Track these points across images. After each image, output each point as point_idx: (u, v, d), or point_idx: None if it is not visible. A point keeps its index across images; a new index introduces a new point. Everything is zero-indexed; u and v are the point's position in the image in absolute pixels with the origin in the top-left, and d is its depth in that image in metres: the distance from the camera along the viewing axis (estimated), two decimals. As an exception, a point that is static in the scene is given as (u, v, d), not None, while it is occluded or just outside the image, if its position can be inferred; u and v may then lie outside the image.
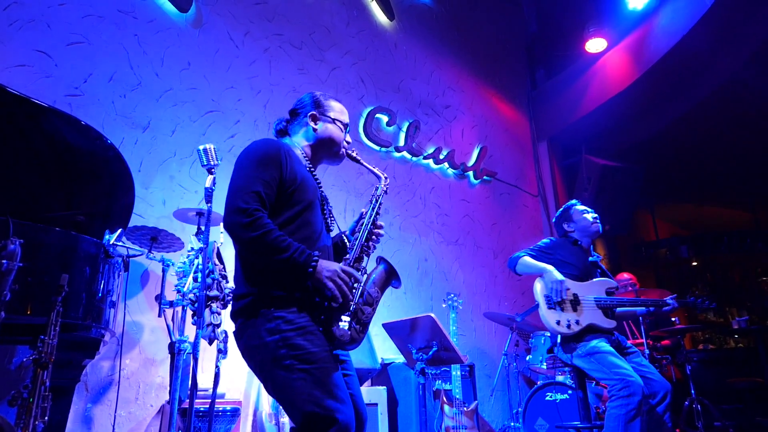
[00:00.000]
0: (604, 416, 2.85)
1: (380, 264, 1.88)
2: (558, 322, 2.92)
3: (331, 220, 1.96)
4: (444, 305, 4.26)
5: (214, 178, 2.37)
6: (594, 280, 3.11)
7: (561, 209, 3.40)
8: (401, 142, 5.26)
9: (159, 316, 3.00)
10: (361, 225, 1.93)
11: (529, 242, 3.30)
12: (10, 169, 2.65)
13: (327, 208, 1.95)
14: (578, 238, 3.27)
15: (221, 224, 3.28)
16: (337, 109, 2.03)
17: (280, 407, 3.33)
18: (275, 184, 1.73)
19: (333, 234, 1.99)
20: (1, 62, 3.26)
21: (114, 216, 2.93)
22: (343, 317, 1.72)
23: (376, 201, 1.99)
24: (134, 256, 2.91)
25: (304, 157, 1.95)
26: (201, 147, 2.35)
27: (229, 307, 2.85)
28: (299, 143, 1.98)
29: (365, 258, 1.89)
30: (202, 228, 3.05)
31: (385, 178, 2.06)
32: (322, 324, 1.68)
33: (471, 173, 5.84)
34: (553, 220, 3.44)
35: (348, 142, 2.06)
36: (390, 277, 1.88)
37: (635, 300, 3.26)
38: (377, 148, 5.06)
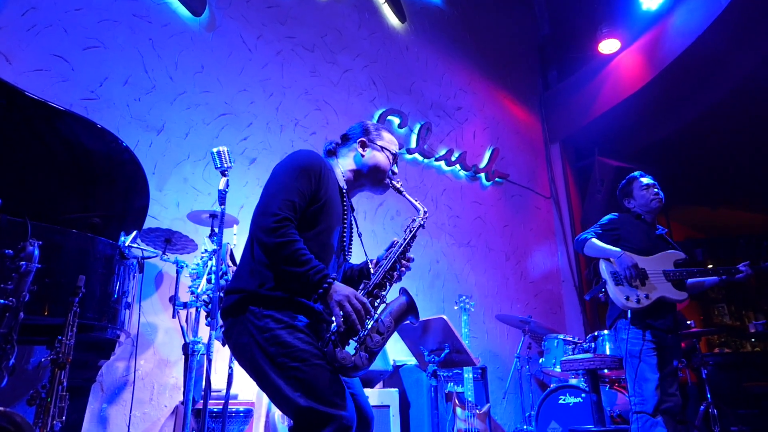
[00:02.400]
0: (618, 420, 2.84)
1: (402, 295, 1.82)
2: (627, 298, 2.87)
3: (348, 251, 1.94)
4: (456, 307, 4.24)
5: (228, 181, 2.39)
6: (661, 253, 3.04)
7: (623, 182, 3.30)
8: (413, 144, 5.26)
9: (173, 317, 3.02)
10: (390, 252, 1.89)
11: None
12: (28, 171, 2.70)
13: (347, 234, 1.93)
14: (640, 212, 3.21)
15: (234, 226, 3.33)
16: (387, 139, 2.04)
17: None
18: (309, 195, 1.75)
19: (349, 260, 1.98)
20: (19, 67, 3.31)
21: (129, 218, 2.97)
22: (352, 341, 1.66)
23: (411, 233, 1.96)
24: (149, 257, 2.94)
25: (344, 179, 1.96)
26: (215, 149, 2.37)
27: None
28: (344, 166, 1.99)
29: (388, 286, 1.84)
30: (216, 230, 3.08)
31: (425, 212, 2.02)
32: (329, 343, 1.64)
33: (483, 175, 5.82)
34: (617, 192, 3.35)
35: (394, 173, 2.04)
36: (409, 311, 1.82)
37: (706, 270, 3.09)
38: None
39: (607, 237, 3.11)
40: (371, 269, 1.91)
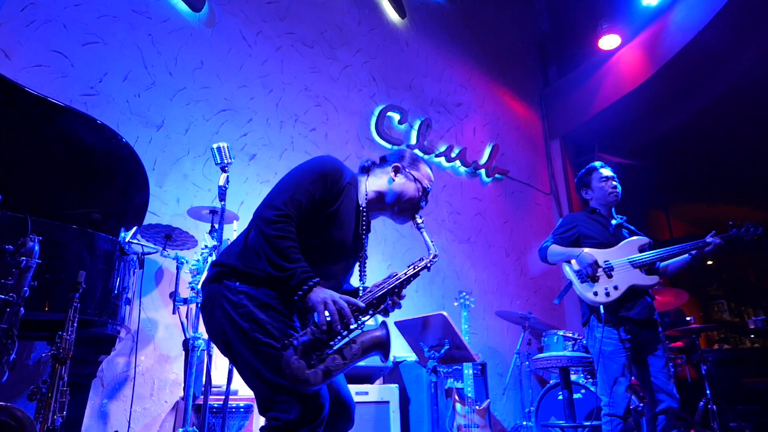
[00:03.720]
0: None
1: (381, 329, 1.67)
2: (596, 294, 2.85)
3: (363, 272, 1.89)
4: (456, 304, 4.25)
5: (228, 177, 2.39)
6: (624, 242, 3.01)
7: (582, 171, 3.26)
8: (413, 140, 5.25)
9: (173, 313, 3.03)
10: (386, 283, 1.79)
11: (542, 241, 3.26)
12: (27, 167, 2.69)
13: (355, 256, 1.88)
14: (596, 206, 3.19)
15: (234, 222, 3.33)
16: (423, 172, 1.97)
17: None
18: (319, 201, 1.74)
19: (363, 281, 1.92)
20: (19, 63, 3.30)
21: (129, 214, 2.97)
22: (313, 353, 1.56)
23: (414, 270, 1.84)
24: (149, 253, 2.94)
25: (366, 198, 1.91)
26: (215, 145, 2.37)
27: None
28: (371, 185, 1.94)
29: (370, 313, 1.72)
30: (216, 226, 3.08)
31: (434, 256, 1.89)
32: (287, 347, 1.55)
33: (483, 171, 5.82)
34: (575, 181, 3.33)
35: (421, 207, 1.96)
36: (380, 346, 1.66)
37: (672, 250, 2.91)
38: (389, 146, 5.06)
39: (567, 239, 3.10)
40: (359, 293, 1.81)
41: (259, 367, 1.58)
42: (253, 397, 3.28)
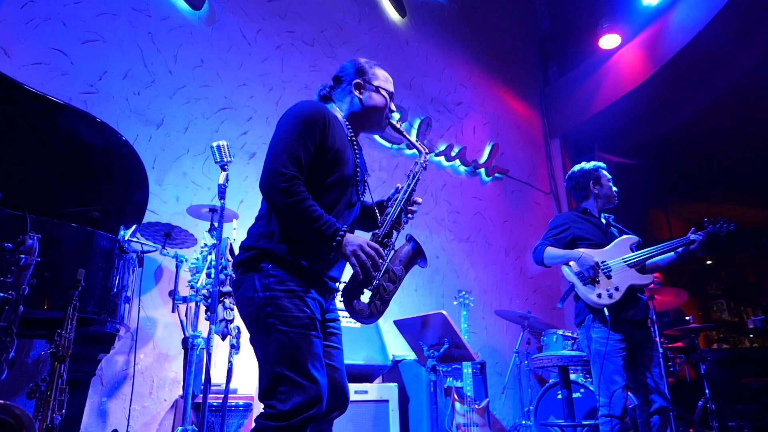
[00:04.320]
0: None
1: (409, 242, 1.85)
2: (599, 296, 2.83)
3: (362, 192, 1.94)
4: (455, 302, 4.25)
5: (227, 175, 2.39)
6: (615, 241, 3.01)
7: (588, 168, 3.21)
8: (413, 139, 5.24)
9: (172, 311, 3.02)
10: (395, 201, 1.91)
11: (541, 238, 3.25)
12: (27, 165, 2.69)
13: (359, 178, 1.91)
14: (588, 206, 3.17)
15: (234, 221, 3.33)
16: (382, 78, 1.99)
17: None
18: (314, 149, 1.73)
19: (367, 198, 2.00)
20: (18, 60, 3.30)
21: (128, 212, 2.97)
22: (366, 290, 1.72)
23: (414, 177, 1.95)
24: (148, 252, 2.94)
25: (347, 125, 1.93)
26: (214, 144, 2.36)
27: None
28: (342, 110, 1.96)
29: (395, 233, 1.86)
30: (215, 224, 3.08)
31: (426, 153, 2.02)
32: (344, 297, 1.71)
33: (483, 170, 5.82)
34: (579, 176, 3.23)
35: (392, 111, 2.02)
36: (416, 256, 1.85)
37: (661, 248, 2.95)
38: (389, 145, 5.06)
39: (561, 240, 3.07)
40: (377, 212, 1.94)
41: (267, 351, 1.61)
42: (253, 395, 3.30)
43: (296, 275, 1.68)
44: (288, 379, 1.56)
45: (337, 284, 1.84)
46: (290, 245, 1.69)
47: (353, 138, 1.93)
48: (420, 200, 1.96)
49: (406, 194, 1.91)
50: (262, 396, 1.60)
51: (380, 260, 1.71)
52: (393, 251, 1.83)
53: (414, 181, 1.94)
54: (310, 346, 1.62)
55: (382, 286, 1.74)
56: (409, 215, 1.91)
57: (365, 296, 1.73)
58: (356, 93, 1.95)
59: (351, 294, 1.72)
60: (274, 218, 1.73)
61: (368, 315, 1.72)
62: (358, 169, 1.90)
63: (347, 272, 1.77)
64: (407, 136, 2.04)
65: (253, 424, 1.61)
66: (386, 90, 1.98)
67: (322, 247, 1.67)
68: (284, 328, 1.60)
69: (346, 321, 3.10)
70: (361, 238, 1.71)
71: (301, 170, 1.68)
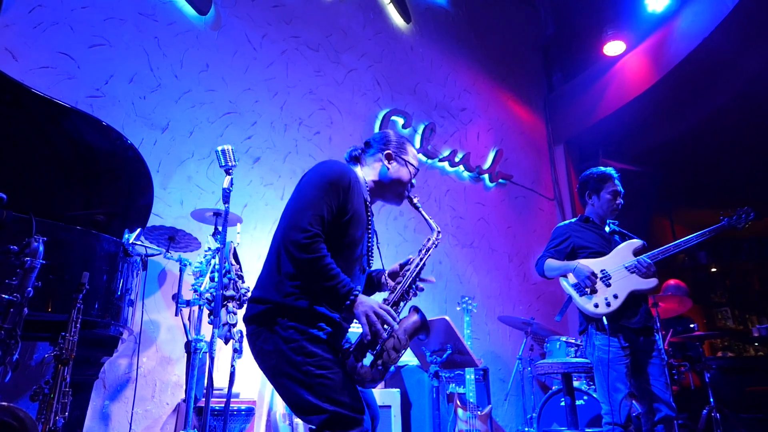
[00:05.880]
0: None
1: (415, 314, 1.87)
2: (596, 305, 2.82)
3: (371, 259, 1.99)
4: (458, 308, 4.24)
5: (232, 179, 2.39)
6: (617, 248, 2.99)
7: (597, 172, 3.17)
8: (417, 145, 5.26)
9: (176, 315, 3.03)
10: (407, 271, 1.94)
11: (544, 246, 3.24)
12: (33, 168, 2.71)
13: (370, 243, 1.97)
14: (589, 214, 3.16)
15: (238, 224, 3.34)
16: (411, 154, 2.06)
17: (294, 408, 3.34)
18: (336, 210, 1.77)
19: (374, 264, 2.03)
20: (25, 64, 3.32)
21: (133, 215, 2.98)
22: (369, 353, 1.73)
23: (426, 253, 2.00)
24: (152, 255, 2.94)
25: (367, 188, 1.99)
26: (219, 148, 2.37)
27: (245, 307, 2.88)
28: (368, 176, 2.01)
29: (402, 304, 1.90)
30: (219, 228, 3.08)
31: (438, 233, 2.06)
32: (350, 356, 1.72)
33: (486, 176, 5.82)
34: (584, 179, 3.20)
35: (412, 186, 2.07)
36: (422, 328, 1.88)
37: (667, 249, 2.91)
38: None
39: (562, 251, 3.06)
40: (385, 280, 2.00)
41: (311, 398, 1.63)
42: (254, 400, 3.29)
43: (312, 319, 1.71)
44: (343, 417, 1.61)
45: (350, 325, 1.87)
46: (302, 294, 1.71)
47: (368, 203, 1.97)
48: (433, 279, 2.05)
49: (418, 267, 1.95)
50: (318, 430, 1.64)
51: (390, 322, 1.72)
52: (398, 321, 1.84)
53: (426, 256, 1.98)
54: (347, 382, 1.68)
55: (388, 352, 1.74)
56: (418, 290, 1.96)
57: (367, 360, 1.73)
58: (385, 162, 2.00)
59: (356, 356, 1.72)
60: (284, 271, 1.75)
61: (370, 379, 1.72)
62: (369, 234, 1.96)
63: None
64: (424, 214, 2.08)
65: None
66: (413, 166, 2.05)
67: (336, 305, 1.71)
68: (321, 372, 1.64)
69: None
70: (373, 300, 1.74)
71: (323, 229, 1.72)
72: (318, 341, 1.69)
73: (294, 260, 1.70)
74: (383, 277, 2.03)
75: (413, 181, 2.06)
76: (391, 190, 2.01)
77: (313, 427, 1.64)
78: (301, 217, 1.71)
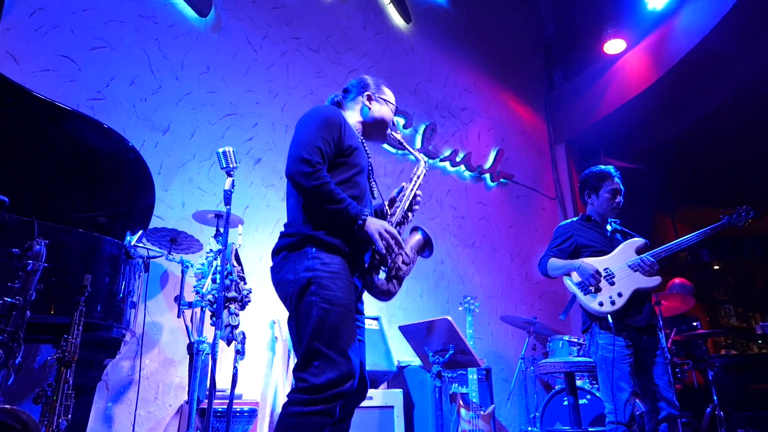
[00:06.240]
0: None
1: (419, 231, 2.04)
2: (601, 304, 2.81)
3: (375, 188, 2.11)
4: (460, 308, 4.23)
5: (233, 181, 2.39)
6: (619, 246, 2.98)
7: (597, 169, 3.16)
8: (418, 145, 5.26)
9: (178, 316, 3.03)
10: (403, 196, 2.09)
11: (546, 246, 3.24)
12: (35, 170, 2.71)
13: (373, 177, 2.11)
14: (590, 213, 3.15)
15: (239, 226, 3.34)
16: (388, 93, 2.21)
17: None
18: (333, 144, 1.88)
19: (375, 202, 2.14)
20: (27, 67, 3.33)
21: (135, 217, 2.98)
22: (382, 270, 1.88)
23: (417, 178, 2.14)
24: (154, 257, 2.95)
25: (357, 129, 2.10)
26: (220, 150, 2.37)
27: (247, 307, 2.89)
28: (352, 117, 2.13)
29: (404, 225, 2.06)
30: (221, 230, 3.08)
31: (425, 162, 2.19)
32: (365, 272, 1.85)
33: (488, 176, 5.81)
34: (584, 177, 3.20)
35: (394, 124, 2.22)
36: (425, 245, 2.04)
37: (669, 247, 2.90)
38: (393, 150, 5.07)
39: (564, 251, 3.06)
40: (387, 210, 2.11)
41: (305, 327, 1.68)
42: (257, 401, 3.30)
43: (339, 259, 1.79)
44: (323, 355, 1.64)
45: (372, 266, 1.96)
46: (331, 231, 1.80)
47: (363, 141, 2.11)
48: (420, 193, 2.15)
49: (412, 191, 2.10)
50: (296, 369, 1.68)
51: (399, 239, 1.85)
52: (403, 239, 1.98)
53: (417, 180, 2.13)
54: (348, 325, 1.72)
55: (398, 266, 1.89)
56: (416, 207, 2.12)
57: (382, 275, 1.89)
58: (366, 103, 2.14)
59: (370, 272, 1.86)
60: (306, 206, 1.85)
61: (387, 290, 1.86)
62: (371, 169, 2.09)
63: None
64: (408, 146, 2.23)
65: (285, 399, 1.68)
66: (392, 104, 2.20)
67: (347, 226, 1.79)
68: (325, 306, 1.69)
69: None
70: (382, 221, 1.86)
71: (323, 158, 1.82)
72: (337, 278, 1.75)
73: (302, 190, 1.79)
74: (385, 208, 2.14)
75: (394, 119, 2.23)
76: (375, 128, 2.15)
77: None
78: (301, 150, 1.81)
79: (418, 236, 2.04)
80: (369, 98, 2.14)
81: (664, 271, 2.96)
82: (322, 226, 1.80)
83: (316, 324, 1.67)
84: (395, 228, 1.98)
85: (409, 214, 2.09)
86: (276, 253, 1.87)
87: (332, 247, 1.79)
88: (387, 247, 1.81)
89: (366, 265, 1.87)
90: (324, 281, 1.72)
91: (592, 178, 3.16)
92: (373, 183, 2.10)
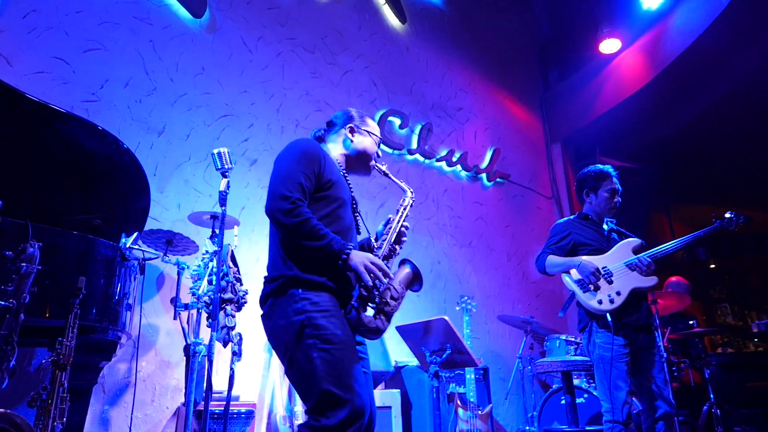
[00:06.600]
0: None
1: (407, 264, 1.96)
2: (600, 302, 2.82)
3: (359, 222, 2.08)
4: (457, 308, 4.24)
5: (228, 182, 2.39)
6: (616, 246, 2.99)
7: (595, 169, 3.16)
8: (414, 145, 5.26)
9: (174, 318, 3.02)
10: (389, 228, 2.03)
11: (543, 245, 3.24)
12: (29, 173, 2.70)
13: (357, 210, 2.07)
14: (587, 211, 3.16)
15: (235, 227, 3.33)
16: (371, 125, 2.18)
17: (294, 410, 3.34)
18: (314, 178, 1.84)
19: (360, 237, 2.09)
20: (20, 69, 3.32)
21: (130, 219, 2.97)
22: (369, 306, 1.79)
23: (404, 209, 2.09)
24: (150, 259, 2.94)
25: (338, 163, 2.06)
26: (215, 151, 2.36)
27: (244, 309, 2.88)
28: (335, 151, 2.11)
29: (391, 259, 1.99)
30: (217, 231, 3.08)
31: (411, 192, 2.15)
32: (352, 310, 1.76)
33: (484, 175, 5.82)
34: (581, 177, 3.20)
35: (379, 155, 2.17)
36: (415, 278, 1.96)
37: (666, 248, 2.93)
38: (390, 150, 5.07)
39: (562, 248, 3.06)
40: (373, 243, 2.06)
41: (310, 371, 1.64)
42: (254, 402, 3.29)
43: (327, 296, 1.74)
44: (335, 396, 1.60)
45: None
46: (314, 268, 1.75)
47: (346, 174, 2.07)
48: (408, 225, 2.09)
49: (399, 223, 2.05)
50: (311, 411, 1.64)
51: (386, 271, 1.79)
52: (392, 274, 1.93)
53: (404, 212, 2.08)
54: (351, 361, 1.68)
55: (386, 302, 1.81)
56: (403, 239, 2.06)
57: (369, 312, 1.79)
58: (349, 135, 2.11)
59: (358, 310, 1.77)
60: (285, 245, 1.80)
61: (375, 328, 1.77)
62: (354, 202, 2.04)
63: None
64: (393, 178, 2.17)
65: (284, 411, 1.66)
66: (376, 135, 2.16)
67: (332, 263, 1.74)
68: (325, 346, 1.65)
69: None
70: (367, 254, 1.79)
71: (304, 194, 1.78)
72: (330, 315, 1.71)
73: (282, 227, 1.75)
74: (372, 242, 2.09)
75: (379, 151, 2.17)
76: (358, 161, 2.12)
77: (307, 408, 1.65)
78: (280, 186, 1.78)
79: (406, 270, 1.95)
80: (351, 130, 2.11)
81: (660, 270, 2.97)
82: (305, 265, 1.75)
83: (321, 366, 1.63)
84: (383, 260, 1.92)
85: (397, 246, 2.03)
86: (263, 301, 1.82)
87: (319, 285, 1.74)
88: (374, 281, 1.75)
89: (353, 301, 1.79)
90: (318, 321, 1.68)
91: (591, 178, 3.17)
92: (358, 216, 2.06)
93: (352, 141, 2.10)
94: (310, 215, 1.74)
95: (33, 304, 1.80)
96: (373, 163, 2.14)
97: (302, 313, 1.68)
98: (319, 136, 2.18)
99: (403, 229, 2.05)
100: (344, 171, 2.06)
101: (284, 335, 1.71)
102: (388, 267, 1.90)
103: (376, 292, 1.78)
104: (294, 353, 1.68)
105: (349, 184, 2.03)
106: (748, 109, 6.01)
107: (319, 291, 1.74)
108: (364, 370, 1.86)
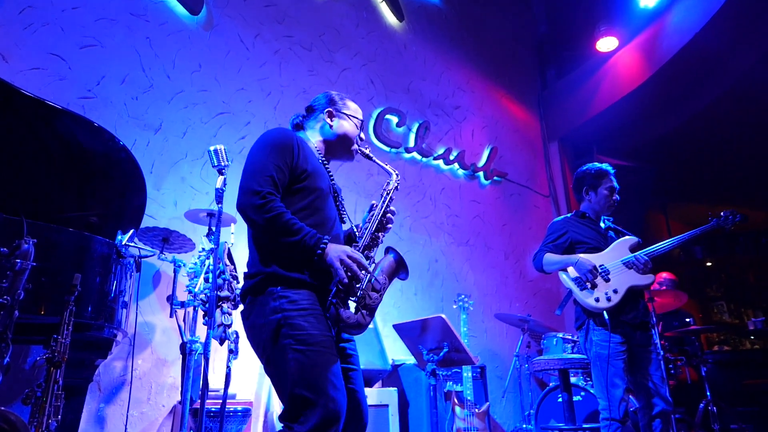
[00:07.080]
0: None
1: (390, 253, 1.88)
2: (597, 300, 2.82)
3: (343, 212, 1.98)
4: (455, 306, 4.24)
5: (225, 179, 2.38)
6: (613, 244, 3.00)
7: (594, 168, 3.18)
8: (411, 143, 5.25)
9: (170, 316, 3.01)
10: (372, 216, 1.94)
11: (540, 243, 3.24)
12: (24, 170, 2.69)
13: (339, 199, 1.98)
14: (585, 210, 3.17)
15: (232, 225, 3.32)
16: (352, 108, 2.08)
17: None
18: (287, 169, 1.76)
19: (345, 227, 2.01)
20: (16, 65, 3.30)
21: (126, 217, 2.96)
22: (350, 301, 1.71)
23: (387, 194, 1.99)
24: (146, 256, 2.93)
25: (318, 150, 1.98)
26: (212, 148, 2.35)
27: (241, 307, 2.87)
28: (314, 138, 2.02)
29: (374, 248, 1.90)
30: (213, 229, 3.07)
31: (397, 175, 2.06)
32: (331, 306, 1.68)
33: (481, 174, 5.81)
34: (580, 175, 3.20)
35: (361, 139, 2.09)
36: (399, 267, 1.87)
37: (662, 247, 2.94)
38: (387, 149, 5.06)
39: (560, 246, 3.06)
40: (356, 233, 1.97)
41: (284, 373, 1.60)
42: (251, 400, 3.28)
43: (307, 293, 1.69)
44: (306, 400, 1.55)
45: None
46: (293, 265, 1.69)
47: (325, 162, 1.98)
48: (393, 209, 2.00)
49: (382, 209, 1.95)
50: (283, 418, 1.60)
51: (363, 270, 1.70)
52: (374, 263, 1.86)
53: (388, 198, 1.98)
54: (327, 363, 1.62)
55: (368, 296, 1.73)
56: (385, 228, 1.95)
57: (351, 307, 1.72)
58: (327, 120, 2.02)
59: (337, 306, 1.69)
60: (263, 242, 1.75)
61: (355, 323, 1.69)
62: (336, 191, 1.96)
63: None
64: (377, 161, 2.08)
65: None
66: (357, 118, 2.07)
67: (307, 258, 1.67)
68: (300, 347, 1.60)
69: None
70: (344, 246, 1.72)
71: (276, 188, 1.71)
72: (308, 315, 1.65)
73: (254, 224, 1.71)
74: (354, 232, 2.01)
75: (361, 134, 2.09)
76: (339, 146, 2.03)
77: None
78: (250, 181, 1.72)
79: (389, 259, 1.85)
80: (330, 115, 2.02)
81: (657, 268, 2.98)
82: (283, 261, 1.69)
83: (294, 368, 1.58)
84: (363, 252, 1.84)
85: (380, 234, 1.92)
86: (242, 298, 1.77)
87: (298, 283, 1.68)
88: (352, 276, 1.66)
89: (330, 297, 1.69)
90: (294, 321, 1.62)
91: (591, 176, 3.17)
92: (340, 206, 1.97)
93: (331, 126, 2.01)
94: (282, 209, 1.67)
95: (28, 301, 1.79)
96: (355, 147, 2.05)
97: (279, 311, 1.63)
98: (296, 124, 2.08)
99: (388, 215, 1.96)
100: (324, 159, 1.97)
101: (261, 334, 1.66)
102: (371, 257, 1.86)
103: (358, 286, 1.71)
104: (271, 353, 1.64)
105: (329, 172, 1.95)
106: (745, 107, 6.03)
107: (298, 288, 1.68)
108: (352, 366, 1.83)
